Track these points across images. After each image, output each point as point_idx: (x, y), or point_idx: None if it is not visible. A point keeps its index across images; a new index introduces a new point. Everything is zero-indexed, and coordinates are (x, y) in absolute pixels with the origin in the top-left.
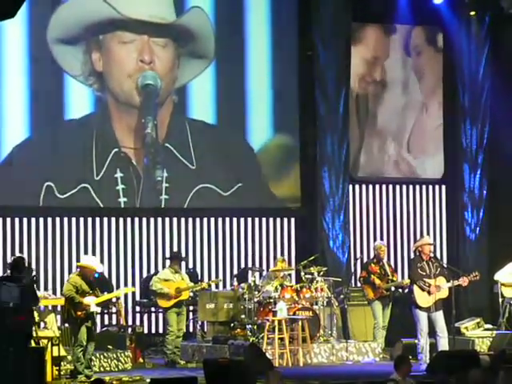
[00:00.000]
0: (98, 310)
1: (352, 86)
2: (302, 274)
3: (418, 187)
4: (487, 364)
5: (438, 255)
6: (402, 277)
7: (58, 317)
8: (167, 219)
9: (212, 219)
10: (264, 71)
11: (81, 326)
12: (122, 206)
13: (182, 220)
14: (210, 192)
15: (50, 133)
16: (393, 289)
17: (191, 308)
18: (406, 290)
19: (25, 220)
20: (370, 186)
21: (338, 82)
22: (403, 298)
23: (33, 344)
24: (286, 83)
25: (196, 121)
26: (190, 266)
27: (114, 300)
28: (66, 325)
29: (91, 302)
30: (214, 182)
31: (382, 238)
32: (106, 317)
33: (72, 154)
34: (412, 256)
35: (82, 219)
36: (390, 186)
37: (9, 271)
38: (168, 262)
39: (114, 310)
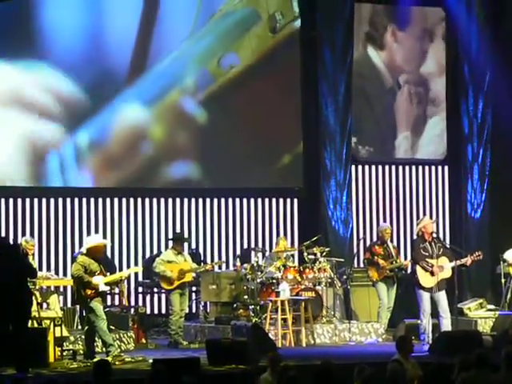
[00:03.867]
0: (107, 289)
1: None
2: (305, 254)
3: (420, 168)
4: (490, 344)
5: (441, 236)
6: (406, 258)
7: (61, 297)
8: (170, 199)
9: (215, 199)
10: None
11: (93, 304)
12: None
13: (185, 200)
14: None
15: None
16: (396, 270)
17: (194, 288)
18: (409, 271)
19: (27, 200)
20: (373, 167)
21: (340, 62)
22: (406, 279)
23: (35, 324)
24: (288, 63)
25: None
26: (193, 246)
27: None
28: (70, 305)
29: (100, 281)
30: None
31: (384, 219)
32: (109, 297)
33: None
34: (415, 237)
35: (84, 200)
36: (393, 167)
37: None
38: (171, 243)
39: (116, 290)
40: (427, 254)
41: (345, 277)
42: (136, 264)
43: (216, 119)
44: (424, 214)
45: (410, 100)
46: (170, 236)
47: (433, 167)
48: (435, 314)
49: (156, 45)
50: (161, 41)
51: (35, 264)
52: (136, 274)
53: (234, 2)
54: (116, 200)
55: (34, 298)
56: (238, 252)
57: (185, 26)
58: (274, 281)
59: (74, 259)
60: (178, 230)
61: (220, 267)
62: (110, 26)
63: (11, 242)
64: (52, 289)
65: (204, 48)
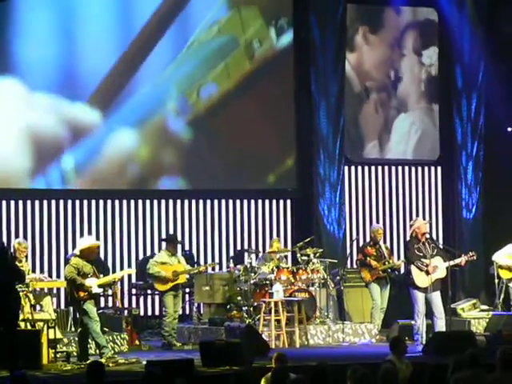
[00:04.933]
0: (101, 291)
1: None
2: (298, 255)
3: (413, 169)
4: (484, 345)
5: (434, 236)
6: (398, 258)
7: (54, 299)
8: (163, 201)
9: (208, 201)
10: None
11: (86, 306)
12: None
13: (178, 202)
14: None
15: None
16: (389, 270)
17: (187, 290)
18: (403, 271)
19: (20, 202)
20: (366, 168)
21: (333, 64)
22: (400, 280)
23: (29, 327)
24: (281, 63)
25: None
26: (187, 248)
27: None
28: (63, 307)
29: (93, 283)
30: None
31: (377, 220)
32: (102, 299)
33: None
34: (408, 238)
35: (77, 201)
36: (386, 168)
37: None
38: (164, 245)
39: (110, 292)
40: (421, 254)
41: (338, 278)
42: (129, 266)
43: (210, 124)
44: (417, 215)
45: (375, 108)
46: (163, 237)
47: (426, 168)
48: (429, 314)
49: (140, 69)
50: (145, 65)
51: (28, 266)
52: (129, 276)
53: (212, 29)
54: (109, 202)
55: (27, 300)
56: (232, 253)
57: (168, 51)
58: (268, 282)
59: (67, 261)
60: (171, 231)
61: (213, 269)
62: (93, 51)
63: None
64: (45, 291)
65: (183, 75)
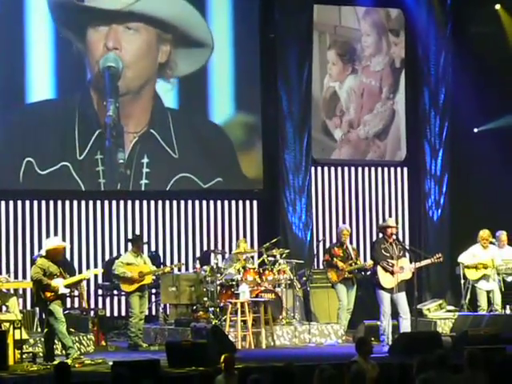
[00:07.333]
0: (67, 291)
1: (315, 68)
2: (265, 256)
3: (380, 170)
4: (449, 345)
5: (401, 237)
6: (365, 259)
7: (20, 300)
8: (129, 201)
9: (174, 202)
10: (226, 52)
11: (52, 307)
12: (83, 189)
13: (144, 202)
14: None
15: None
16: (356, 271)
17: (153, 291)
18: (369, 272)
19: None
20: (333, 169)
21: (299, 65)
22: (366, 281)
23: None
24: (248, 64)
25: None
26: (153, 248)
27: None
28: (29, 308)
29: (59, 283)
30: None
31: (344, 221)
32: (69, 300)
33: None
34: (375, 238)
35: (43, 202)
36: (353, 169)
37: None
38: (130, 246)
39: (76, 292)
40: (388, 254)
41: (304, 278)
42: (96, 266)
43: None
44: (384, 216)
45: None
46: (129, 237)
47: (392, 169)
48: (395, 314)
49: None
50: None
51: None
52: (96, 277)
53: None
54: (75, 202)
55: None
56: (198, 254)
57: None
58: (234, 283)
59: (33, 262)
60: (137, 232)
61: (180, 269)
62: None
63: None
64: (11, 291)
65: None
